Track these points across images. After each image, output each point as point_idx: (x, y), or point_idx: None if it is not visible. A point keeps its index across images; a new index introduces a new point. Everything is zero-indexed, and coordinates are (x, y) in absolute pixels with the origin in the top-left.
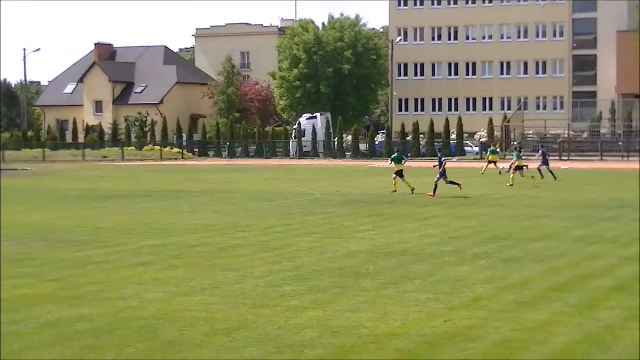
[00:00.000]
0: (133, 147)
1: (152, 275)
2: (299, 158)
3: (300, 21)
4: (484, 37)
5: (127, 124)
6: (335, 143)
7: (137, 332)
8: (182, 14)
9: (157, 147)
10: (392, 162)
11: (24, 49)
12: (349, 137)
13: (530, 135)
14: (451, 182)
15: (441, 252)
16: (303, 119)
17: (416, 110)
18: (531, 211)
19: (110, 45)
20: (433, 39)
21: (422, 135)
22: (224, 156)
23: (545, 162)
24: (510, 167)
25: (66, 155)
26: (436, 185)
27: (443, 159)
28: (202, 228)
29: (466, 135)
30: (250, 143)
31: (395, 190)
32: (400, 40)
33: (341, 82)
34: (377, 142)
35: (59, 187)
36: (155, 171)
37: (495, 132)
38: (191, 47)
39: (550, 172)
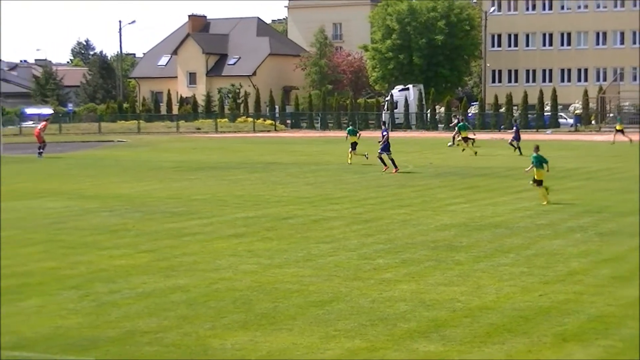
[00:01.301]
0: (226, 119)
1: (246, 247)
2: (391, 130)
3: None
4: (579, 7)
5: (220, 96)
6: (428, 115)
7: (232, 304)
8: None
9: (250, 119)
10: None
11: (120, 22)
12: (442, 109)
13: (627, 107)
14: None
15: (535, 225)
16: (395, 91)
17: (509, 81)
18: (625, 185)
19: (204, 17)
20: (527, 9)
21: (515, 107)
22: (316, 128)
23: (517, 137)
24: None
25: (160, 127)
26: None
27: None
28: (294, 200)
29: (560, 107)
30: (342, 115)
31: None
32: (494, 10)
33: (434, 53)
34: (470, 114)
35: (154, 158)
36: (248, 143)
37: (590, 104)
38: (284, 19)
39: (518, 148)
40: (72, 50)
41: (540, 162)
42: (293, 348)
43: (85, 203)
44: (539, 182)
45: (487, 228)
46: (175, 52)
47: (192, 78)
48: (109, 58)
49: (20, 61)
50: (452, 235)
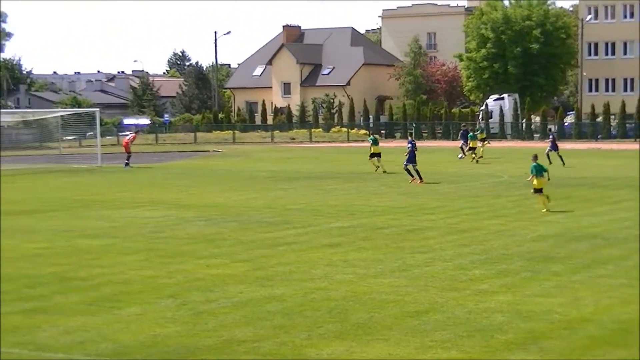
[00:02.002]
0: (320, 129)
1: (341, 256)
2: (487, 140)
3: (487, 0)
4: None
5: (314, 106)
6: (524, 124)
7: (328, 313)
8: None
9: (344, 129)
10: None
11: (215, 33)
12: (537, 119)
13: None
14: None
15: (634, 236)
16: (490, 100)
17: (607, 90)
18: None
19: (299, 27)
20: (625, 16)
21: (612, 117)
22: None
23: (554, 147)
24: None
25: (255, 137)
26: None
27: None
28: (389, 210)
29: None
30: (436, 125)
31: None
32: (590, 18)
33: (529, 61)
34: (566, 124)
35: (249, 168)
36: (342, 152)
37: None
38: (378, 29)
39: (560, 157)
40: (169, 61)
41: (539, 170)
42: (389, 358)
43: (183, 212)
44: (538, 191)
45: (585, 239)
46: (269, 63)
47: (286, 88)
48: (204, 69)
49: (118, 72)
50: (548, 246)
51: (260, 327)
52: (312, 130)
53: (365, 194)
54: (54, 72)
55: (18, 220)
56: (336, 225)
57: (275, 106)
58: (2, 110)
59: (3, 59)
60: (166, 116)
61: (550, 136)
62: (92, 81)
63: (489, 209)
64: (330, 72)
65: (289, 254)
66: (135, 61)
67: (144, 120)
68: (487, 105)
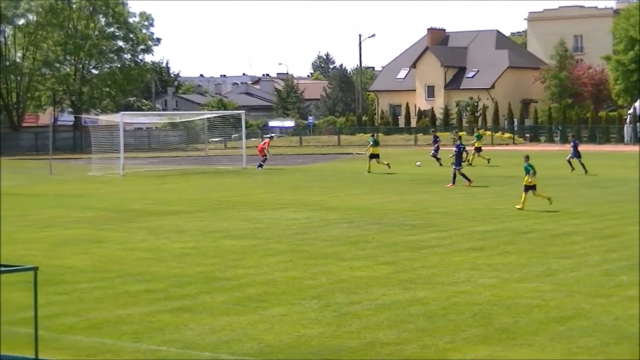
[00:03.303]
0: (464, 132)
1: (485, 260)
2: (634, 144)
3: (636, 2)
4: None
5: (458, 109)
6: None
7: (472, 317)
8: None
9: (488, 132)
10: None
11: (360, 36)
12: None
13: None
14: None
15: None
16: (638, 104)
17: None
18: None
19: (443, 30)
20: None
21: None
22: (555, 142)
23: (576, 153)
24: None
25: (399, 140)
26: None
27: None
28: (533, 214)
29: None
30: (582, 128)
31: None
32: None
33: None
34: None
35: (391, 171)
36: (485, 157)
37: None
38: (523, 31)
39: (582, 165)
40: (313, 64)
41: (529, 170)
42: None
43: (326, 214)
44: (530, 188)
45: None
46: (414, 66)
47: (430, 91)
48: (348, 72)
49: (263, 75)
50: None
51: (403, 330)
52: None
53: (507, 197)
54: (201, 75)
55: (167, 220)
56: (479, 229)
57: (418, 109)
58: (150, 112)
59: (151, 62)
60: (310, 119)
61: (572, 142)
62: (237, 84)
63: (636, 214)
64: (474, 75)
65: (432, 257)
66: (280, 64)
67: (289, 123)
68: (635, 108)
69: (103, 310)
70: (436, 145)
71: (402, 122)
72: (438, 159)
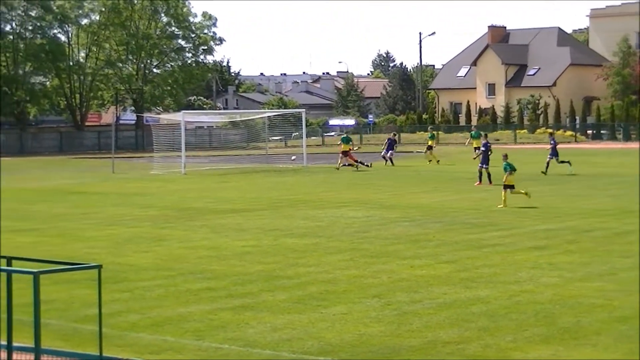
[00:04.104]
0: (525, 130)
1: (547, 259)
2: None
3: None
4: None
5: (519, 107)
6: None
7: (534, 317)
8: None
9: (550, 130)
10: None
11: (420, 34)
12: None
13: None
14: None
15: None
16: None
17: None
18: None
19: (504, 27)
20: None
21: None
22: (618, 140)
23: (554, 153)
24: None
25: (459, 138)
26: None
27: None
28: (595, 212)
29: None
30: None
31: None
32: None
33: None
34: None
35: (451, 169)
36: (547, 154)
37: None
38: (585, 28)
39: (547, 165)
40: (373, 62)
41: (512, 168)
42: None
43: (386, 213)
44: (509, 187)
45: None
46: (474, 63)
47: (491, 89)
48: (408, 70)
49: (323, 74)
50: None
51: (465, 329)
52: (517, 131)
53: (569, 196)
54: (261, 74)
55: (228, 219)
56: (541, 227)
57: (479, 107)
58: (211, 111)
59: (213, 61)
60: (370, 117)
61: (552, 141)
62: (298, 82)
63: None
64: (535, 72)
65: (493, 255)
66: (340, 62)
67: (349, 121)
68: None
69: (165, 308)
70: (391, 148)
71: (462, 120)
72: (387, 160)
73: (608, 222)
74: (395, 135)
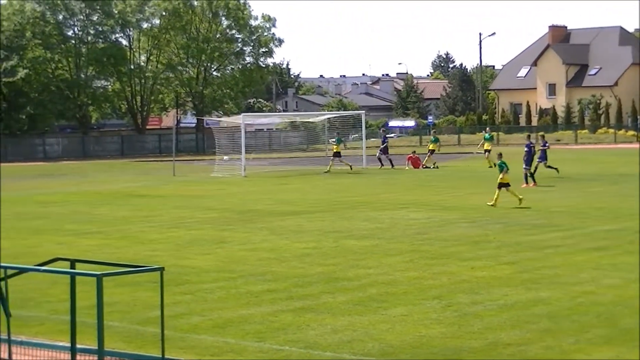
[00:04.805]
0: (586, 130)
1: (608, 260)
2: None
3: None
4: None
5: (580, 107)
6: None
7: (596, 318)
8: None
9: (611, 130)
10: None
11: (480, 34)
12: None
13: None
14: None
15: None
16: None
17: None
18: None
19: (565, 27)
20: None
21: None
22: None
23: (543, 156)
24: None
25: (519, 139)
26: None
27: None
28: None
29: None
30: None
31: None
32: None
33: None
34: None
35: (511, 170)
36: (609, 154)
37: None
38: None
39: (535, 169)
40: (432, 63)
41: (507, 167)
42: None
43: (446, 214)
44: (504, 185)
45: None
46: (534, 64)
47: (551, 89)
48: (468, 70)
49: (383, 75)
50: None
51: (527, 331)
52: (578, 131)
53: (629, 197)
54: (321, 76)
55: (288, 221)
56: (603, 228)
57: (540, 107)
58: (271, 113)
59: (272, 63)
60: (430, 118)
61: (543, 144)
62: (357, 84)
63: None
64: (597, 72)
65: (554, 256)
66: (399, 64)
67: (409, 123)
68: None
69: (226, 310)
70: (384, 145)
71: (522, 121)
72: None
73: None
74: (384, 130)
